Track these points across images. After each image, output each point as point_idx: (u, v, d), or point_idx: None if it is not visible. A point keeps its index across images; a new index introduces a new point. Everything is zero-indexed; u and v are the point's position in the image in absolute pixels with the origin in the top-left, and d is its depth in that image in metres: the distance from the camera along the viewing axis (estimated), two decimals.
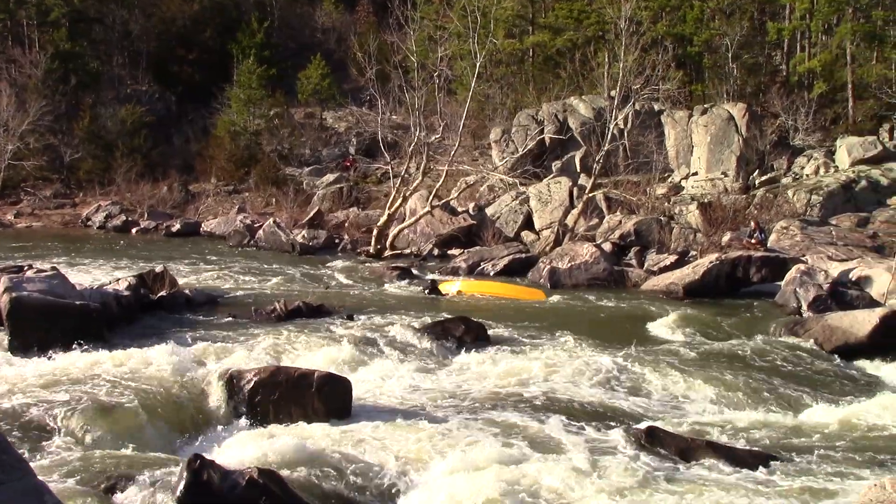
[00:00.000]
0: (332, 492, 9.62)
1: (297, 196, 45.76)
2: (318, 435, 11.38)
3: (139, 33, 63.26)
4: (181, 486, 8.62)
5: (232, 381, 12.53)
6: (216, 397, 12.49)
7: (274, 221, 38.59)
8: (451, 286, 26.05)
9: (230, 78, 57.68)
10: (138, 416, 11.68)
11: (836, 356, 17.92)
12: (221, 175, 51.98)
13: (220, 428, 11.96)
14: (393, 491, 9.73)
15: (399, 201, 36.35)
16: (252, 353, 15.95)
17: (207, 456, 9.32)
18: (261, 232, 38.02)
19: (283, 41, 66.19)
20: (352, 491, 9.69)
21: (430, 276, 27.63)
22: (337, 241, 38.00)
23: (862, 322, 18.81)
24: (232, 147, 53.04)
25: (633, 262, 29.98)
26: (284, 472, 9.56)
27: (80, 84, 57.04)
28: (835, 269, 26.62)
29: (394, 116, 46.44)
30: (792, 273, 24.67)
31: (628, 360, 16.30)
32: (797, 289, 23.71)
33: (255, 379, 12.43)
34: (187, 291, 22.28)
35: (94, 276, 25.81)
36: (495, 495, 9.35)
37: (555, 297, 25.14)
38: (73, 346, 15.35)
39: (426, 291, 25.42)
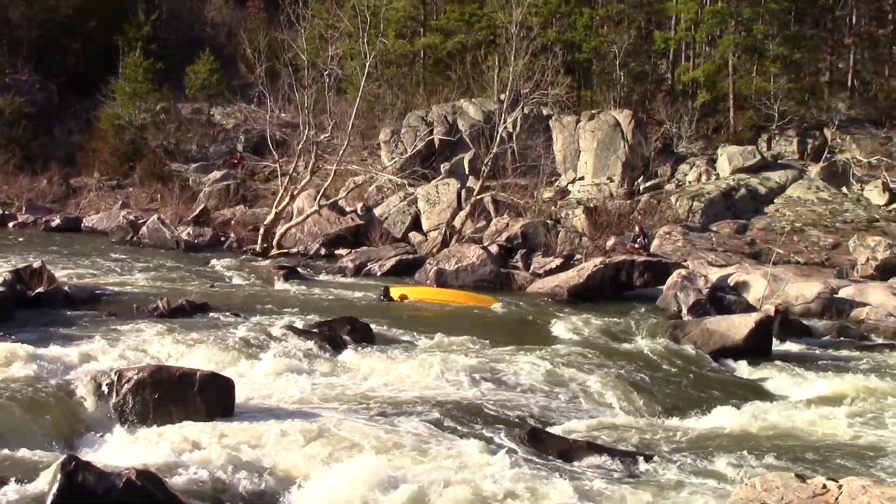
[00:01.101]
0: (213, 492, 9.47)
1: (183, 193, 45.05)
2: (200, 435, 11.20)
3: (19, 20, 61.27)
4: (54, 489, 8.35)
5: (111, 381, 12.22)
6: (94, 397, 12.15)
7: (158, 218, 37.92)
8: (401, 292, 25.27)
9: (116, 70, 56.44)
10: (11, 417, 11.32)
11: (713, 359, 18.38)
12: (104, 169, 50.85)
13: (97, 429, 11.66)
14: (274, 491, 9.64)
15: (286, 200, 36.12)
16: (133, 352, 15.62)
17: (84, 458, 9.10)
18: (145, 228, 37.30)
19: (171, 35, 64.95)
20: (233, 491, 9.56)
21: (384, 285, 26.43)
22: (223, 238, 37.57)
23: (738, 326, 19.35)
24: (116, 141, 51.93)
25: (520, 264, 30.26)
26: (164, 474, 9.40)
27: None
28: (714, 274, 27.36)
29: (283, 114, 46.14)
30: (673, 278, 25.27)
31: (512, 362, 16.44)
32: (678, 293, 24.31)
33: (135, 378, 12.15)
34: (66, 288, 21.72)
35: None
36: (375, 497, 9.34)
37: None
38: None
39: (381, 297, 24.73)
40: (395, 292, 25.15)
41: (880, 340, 22.27)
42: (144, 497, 8.43)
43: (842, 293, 26.05)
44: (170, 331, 17.40)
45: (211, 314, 20.05)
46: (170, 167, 49.90)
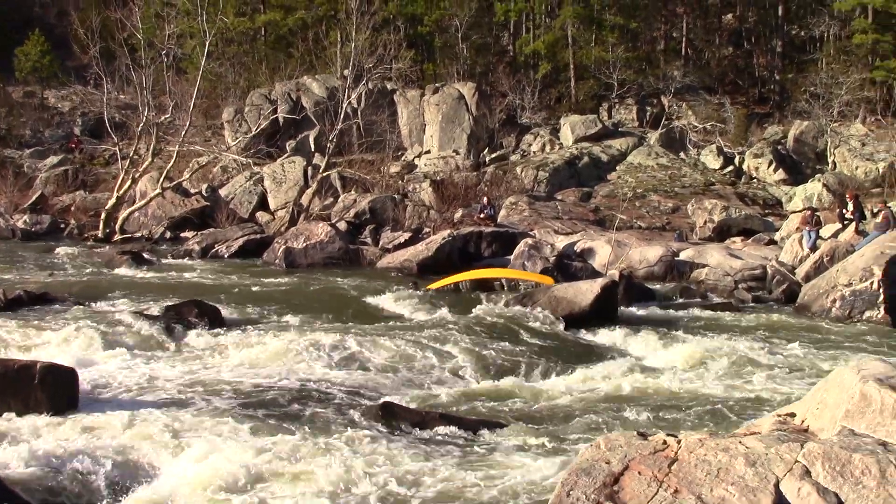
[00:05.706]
0: (57, 488, 9.20)
1: (18, 179, 43.29)
2: (43, 429, 10.85)
3: None
4: None
5: None
6: None
7: None
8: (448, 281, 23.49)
9: None
10: None
11: (562, 325, 18.72)
12: None
13: None
14: (121, 484, 9.42)
15: (128, 183, 35.27)
16: None
17: None
18: None
19: None
20: (78, 486, 9.29)
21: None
22: (63, 225, 36.51)
23: (585, 292, 19.77)
24: None
25: (369, 240, 30.35)
26: (4, 471, 9.08)
27: None
28: (560, 242, 27.95)
29: (121, 96, 44.91)
30: (520, 247, 25.70)
31: (362, 339, 16.39)
32: (525, 262, 24.71)
33: None
34: None
35: None
36: (228, 484, 9.22)
37: (292, 278, 25.06)
38: None
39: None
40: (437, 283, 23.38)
41: (718, 299, 23.13)
42: None
43: (682, 255, 26.90)
44: (6, 323, 16.76)
45: (51, 304, 19.34)
46: (2, 153, 48.01)
